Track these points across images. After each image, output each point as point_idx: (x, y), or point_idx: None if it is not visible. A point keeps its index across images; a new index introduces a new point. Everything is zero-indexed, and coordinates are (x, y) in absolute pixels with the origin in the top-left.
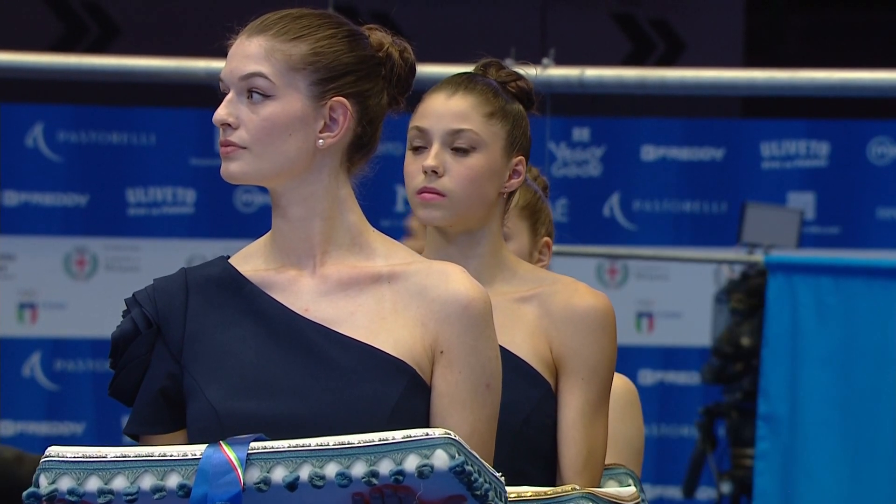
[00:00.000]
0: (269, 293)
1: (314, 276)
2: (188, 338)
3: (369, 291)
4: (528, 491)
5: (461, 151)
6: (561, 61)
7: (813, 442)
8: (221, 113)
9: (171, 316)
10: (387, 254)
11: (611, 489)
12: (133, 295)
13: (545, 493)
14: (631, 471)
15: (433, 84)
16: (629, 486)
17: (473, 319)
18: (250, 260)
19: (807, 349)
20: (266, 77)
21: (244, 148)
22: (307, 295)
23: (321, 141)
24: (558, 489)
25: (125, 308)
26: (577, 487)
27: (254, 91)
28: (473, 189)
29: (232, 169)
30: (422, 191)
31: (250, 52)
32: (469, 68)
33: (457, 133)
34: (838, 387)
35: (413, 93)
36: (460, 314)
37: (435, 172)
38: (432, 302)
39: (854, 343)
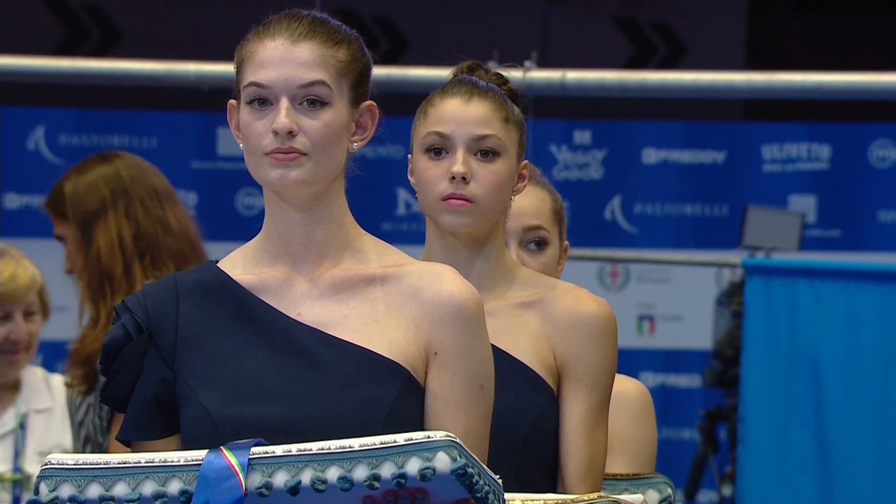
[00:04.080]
0: (260, 297)
1: (308, 279)
2: (180, 343)
3: (362, 294)
4: (552, 498)
5: (487, 157)
6: (562, 65)
7: (791, 445)
8: (286, 121)
9: (162, 321)
10: (379, 256)
11: (626, 496)
12: (123, 301)
13: (568, 500)
14: (669, 480)
15: (436, 89)
16: (668, 495)
17: (467, 320)
18: (240, 264)
19: (783, 352)
20: (327, 85)
21: (305, 155)
22: (300, 299)
23: (355, 145)
24: (583, 496)
25: (115, 315)
26: (603, 495)
27: (313, 98)
28: (499, 194)
29: (294, 175)
30: (449, 197)
31: (305, 59)
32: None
33: (482, 139)
34: (813, 390)
35: (414, 97)
36: (454, 315)
37: (463, 179)
38: (426, 303)
39: (828, 346)
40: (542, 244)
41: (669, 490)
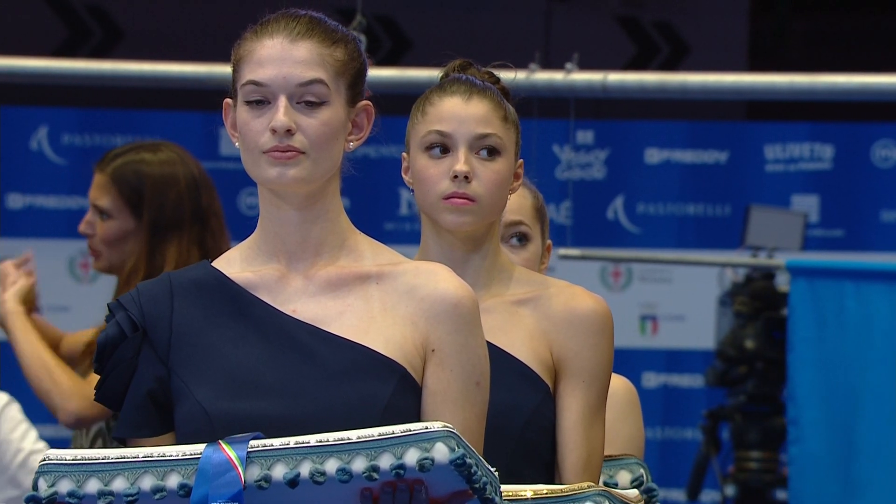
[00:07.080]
0: (255, 294)
1: (303, 277)
2: (175, 340)
3: (357, 291)
4: (543, 488)
5: (488, 156)
6: (562, 64)
7: (844, 446)
8: (284, 119)
9: (157, 319)
10: (373, 255)
11: (621, 490)
12: (117, 299)
13: (560, 490)
14: (641, 461)
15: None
16: (640, 475)
17: (463, 318)
18: (234, 263)
19: (831, 354)
20: (325, 84)
21: (303, 153)
22: (295, 296)
23: (351, 144)
24: (574, 486)
25: (109, 313)
26: (592, 485)
27: (311, 97)
28: (499, 193)
29: (292, 174)
30: (451, 196)
31: (303, 58)
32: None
33: (483, 137)
34: (858, 389)
35: (408, 98)
36: (450, 313)
37: (466, 178)
38: (422, 301)
39: (875, 347)
40: (523, 239)
41: (641, 470)
